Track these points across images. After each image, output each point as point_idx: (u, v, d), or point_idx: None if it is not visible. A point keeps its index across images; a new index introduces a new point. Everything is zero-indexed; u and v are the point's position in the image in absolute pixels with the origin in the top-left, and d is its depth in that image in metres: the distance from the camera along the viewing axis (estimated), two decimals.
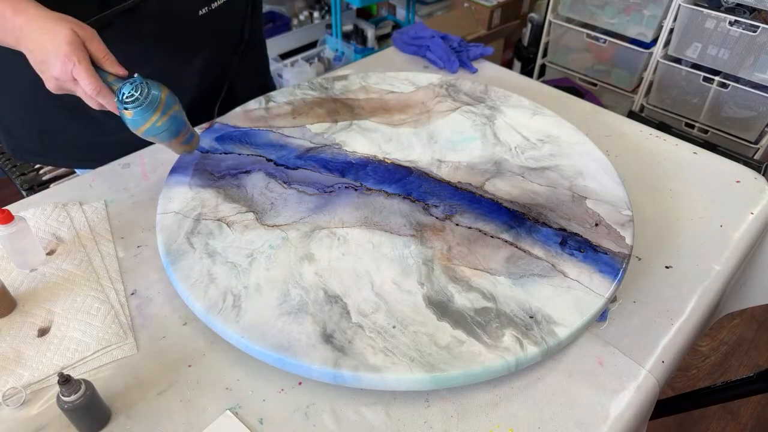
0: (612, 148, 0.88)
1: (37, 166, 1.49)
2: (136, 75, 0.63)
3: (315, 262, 0.64)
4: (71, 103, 0.82)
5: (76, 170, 0.99)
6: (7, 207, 0.69)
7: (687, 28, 1.93)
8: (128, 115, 0.63)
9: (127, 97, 0.62)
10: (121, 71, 0.64)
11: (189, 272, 0.62)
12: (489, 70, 1.11)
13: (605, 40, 2.16)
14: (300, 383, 0.56)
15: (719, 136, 2.04)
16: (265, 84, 1.06)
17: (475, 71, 1.09)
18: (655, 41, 2.05)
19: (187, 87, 0.87)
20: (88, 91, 0.62)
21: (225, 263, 0.63)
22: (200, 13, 0.81)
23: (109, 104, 0.63)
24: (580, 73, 2.33)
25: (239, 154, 0.79)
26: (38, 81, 0.80)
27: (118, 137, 0.87)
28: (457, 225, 0.68)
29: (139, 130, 0.64)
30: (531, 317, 0.58)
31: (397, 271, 0.63)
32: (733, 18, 1.81)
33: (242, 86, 0.96)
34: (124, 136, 0.87)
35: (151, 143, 0.85)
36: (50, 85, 0.63)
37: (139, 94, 0.62)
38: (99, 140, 0.87)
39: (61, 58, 0.59)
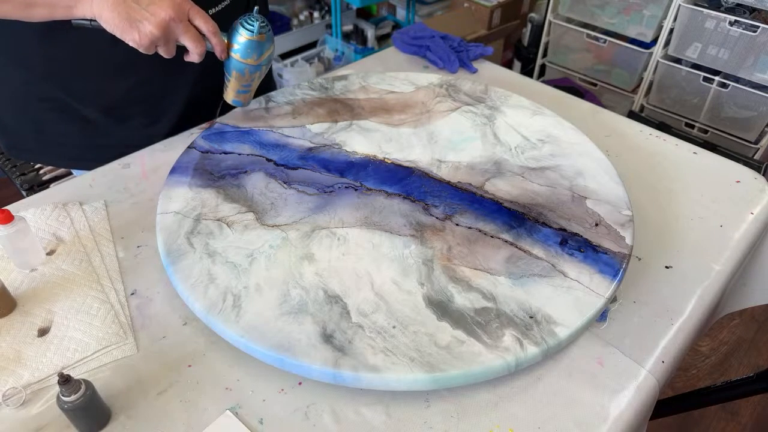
0: (612, 148, 0.88)
1: (37, 166, 1.48)
2: (256, 7, 0.73)
3: (315, 262, 0.64)
4: (63, 104, 0.83)
5: (72, 171, 0.98)
6: (7, 207, 0.69)
7: (687, 28, 1.93)
8: (261, 39, 0.72)
9: (262, 23, 0.72)
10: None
11: (189, 272, 0.62)
12: (489, 70, 1.11)
13: (605, 40, 2.16)
14: (300, 383, 0.56)
15: (719, 136, 2.04)
16: (266, 85, 1.06)
17: (475, 71, 1.09)
18: (655, 41, 2.05)
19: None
20: (208, 28, 0.69)
21: (225, 263, 0.63)
22: None
23: (219, 43, 0.71)
24: (580, 73, 2.33)
25: (239, 154, 0.79)
26: (31, 80, 0.80)
27: (111, 139, 0.87)
28: (457, 225, 0.68)
29: (265, 55, 0.75)
30: (531, 317, 0.58)
31: (397, 271, 0.63)
32: (733, 18, 1.81)
33: None
34: (119, 136, 0.87)
35: (142, 146, 0.86)
36: (150, 32, 0.65)
37: (263, 18, 0.73)
38: (93, 141, 0.87)
39: (177, 0, 0.65)
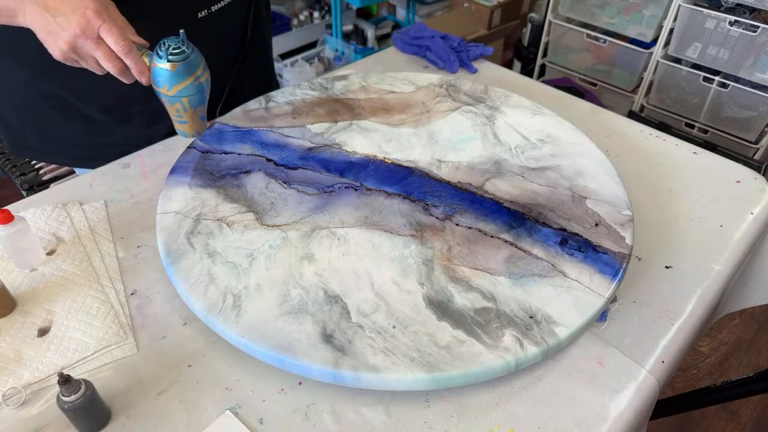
0: (612, 148, 0.88)
1: (37, 166, 1.48)
2: (181, 31, 0.63)
3: (315, 262, 0.64)
4: (65, 103, 0.82)
5: (75, 170, 0.98)
6: (7, 207, 0.69)
7: (687, 28, 1.93)
8: (170, 69, 0.61)
9: (173, 49, 0.61)
10: (142, 40, 0.63)
11: (189, 272, 0.62)
12: (489, 70, 1.11)
13: (605, 40, 2.16)
14: (300, 383, 0.56)
15: (719, 136, 2.04)
16: (268, 85, 1.06)
17: (475, 71, 1.09)
18: (655, 41, 2.05)
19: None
20: (119, 48, 0.60)
21: (225, 263, 0.63)
22: (199, 15, 0.81)
23: (136, 64, 0.61)
24: (580, 73, 2.33)
25: (239, 154, 0.79)
26: (33, 79, 0.79)
27: (114, 138, 0.87)
28: (457, 225, 0.68)
29: (177, 87, 0.63)
30: (531, 317, 0.58)
31: (397, 271, 0.63)
32: (733, 18, 1.81)
33: (244, 90, 0.96)
34: (120, 135, 0.87)
35: (143, 146, 0.85)
36: (60, 48, 0.60)
37: (186, 48, 0.62)
38: (95, 140, 0.87)
39: (88, 14, 0.58)
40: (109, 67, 0.61)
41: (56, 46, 0.60)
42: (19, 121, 0.87)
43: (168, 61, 0.61)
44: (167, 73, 0.62)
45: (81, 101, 0.83)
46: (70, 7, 0.58)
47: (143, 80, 0.63)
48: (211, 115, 0.90)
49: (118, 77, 0.63)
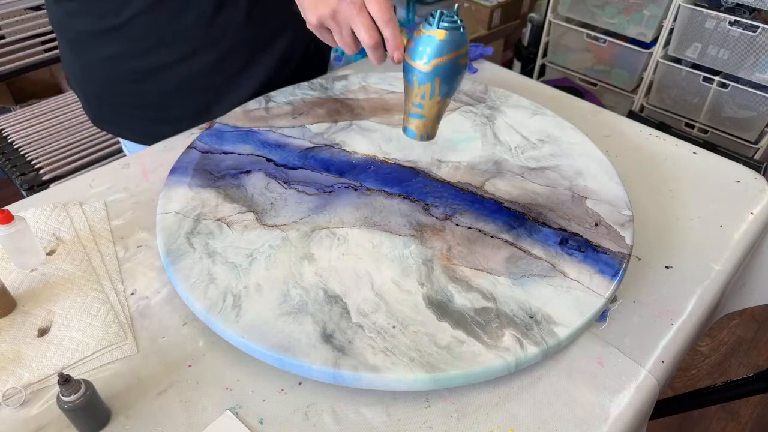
0: (612, 148, 0.88)
1: (37, 166, 1.49)
2: (456, 5, 0.60)
3: (315, 262, 0.64)
4: (143, 76, 0.87)
5: (125, 146, 1.04)
6: (7, 207, 0.69)
7: (687, 28, 1.93)
8: (437, 37, 0.57)
9: (447, 17, 0.57)
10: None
11: (189, 272, 0.62)
12: (489, 70, 1.11)
13: (605, 40, 2.16)
14: (300, 383, 0.56)
15: (719, 136, 2.04)
16: (318, 68, 1.06)
17: (475, 71, 1.09)
18: (655, 41, 2.05)
19: (265, 67, 0.90)
20: (381, 15, 0.58)
21: (225, 263, 0.63)
22: None
23: (394, 37, 0.59)
24: (580, 73, 2.33)
25: (239, 154, 0.79)
26: (117, 53, 0.85)
27: (178, 111, 0.91)
28: (457, 225, 0.68)
29: (438, 60, 0.58)
30: (531, 317, 0.58)
31: (397, 271, 0.63)
32: (733, 18, 1.81)
33: (305, 70, 0.99)
34: (189, 110, 0.90)
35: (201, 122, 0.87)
36: (320, 13, 0.60)
37: (459, 20, 0.58)
38: (162, 114, 0.91)
39: None
40: (365, 38, 0.59)
41: (316, 11, 0.60)
42: (99, 94, 0.92)
43: (438, 27, 0.57)
44: (433, 41, 0.57)
45: (159, 74, 0.87)
46: None
47: (396, 56, 0.60)
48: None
49: (369, 53, 0.61)
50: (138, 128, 0.95)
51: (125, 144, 1.04)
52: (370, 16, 0.59)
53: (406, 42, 0.60)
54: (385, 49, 0.62)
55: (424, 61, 0.58)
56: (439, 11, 0.58)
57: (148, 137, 0.90)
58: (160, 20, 0.81)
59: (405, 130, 0.66)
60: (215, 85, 0.90)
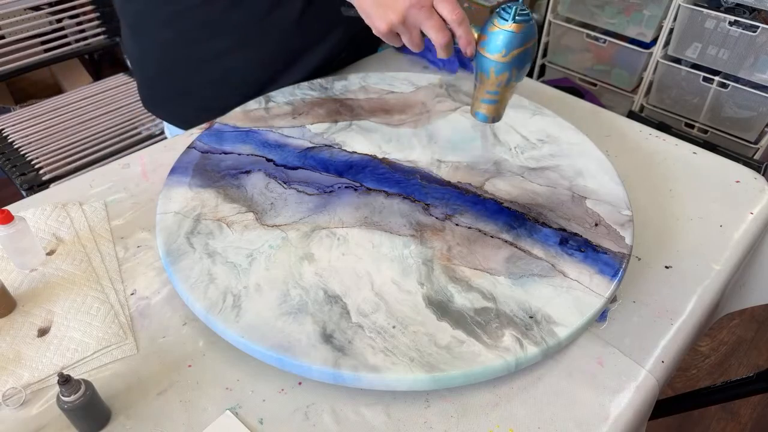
0: (612, 148, 0.88)
1: (37, 166, 1.49)
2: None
3: (315, 262, 0.64)
4: (206, 66, 0.91)
5: (165, 131, 1.08)
6: (7, 207, 0.69)
7: (687, 28, 1.93)
8: (515, 30, 0.60)
9: (521, 11, 0.60)
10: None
11: (189, 272, 0.62)
12: None
13: (605, 40, 2.16)
14: (300, 383, 0.56)
15: (719, 136, 2.04)
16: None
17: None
18: (655, 41, 2.05)
19: (310, 64, 0.94)
20: (454, 17, 0.61)
21: (225, 263, 0.63)
22: None
23: (466, 33, 0.62)
24: (580, 73, 2.33)
25: (239, 154, 0.79)
26: (167, 45, 0.90)
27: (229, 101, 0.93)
28: (456, 225, 0.69)
29: (516, 51, 0.62)
30: (531, 317, 0.58)
31: (397, 271, 0.63)
32: (732, 18, 1.81)
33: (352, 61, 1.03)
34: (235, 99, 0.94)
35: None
36: (389, 20, 0.62)
37: (529, 11, 0.61)
38: (217, 105, 0.92)
39: None
40: (438, 38, 0.62)
41: (385, 18, 0.62)
42: (152, 78, 0.96)
43: (514, 22, 0.60)
44: (510, 36, 0.61)
45: (226, 63, 0.90)
46: None
47: (469, 51, 0.64)
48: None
49: (440, 50, 0.64)
50: (182, 114, 0.98)
51: (168, 127, 1.08)
52: (440, 17, 0.62)
53: (477, 36, 0.63)
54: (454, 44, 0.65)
55: (503, 53, 0.62)
56: (514, 7, 0.61)
57: (190, 124, 0.92)
58: (213, 12, 0.85)
59: (476, 114, 0.71)
60: (260, 80, 0.93)
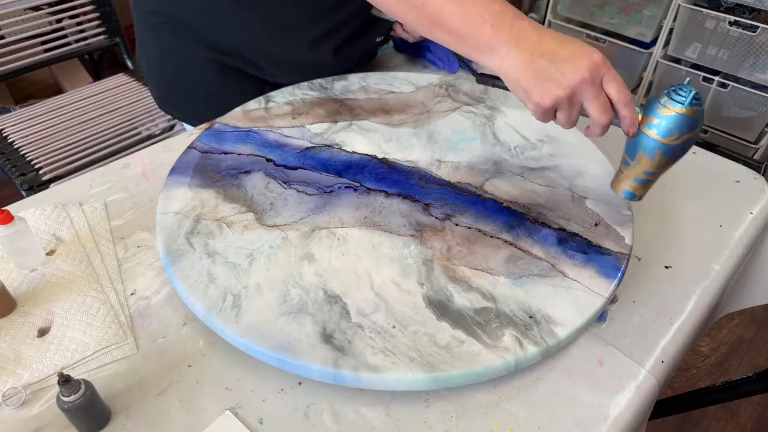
0: (612, 148, 0.88)
1: (37, 166, 1.49)
2: (688, 79, 0.61)
3: (315, 262, 0.64)
4: (228, 69, 0.95)
5: (185, 126, 1.11)
6: (7, 207, 0.69)
7: (687, 28, 1.94)
8: (690, 114, 0.59)
9: (696, 97, 0.59)
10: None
11: (189, 272, 0.62)
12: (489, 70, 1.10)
13: (605, 40, 2.16)
14: (300, 383, 0.56)
15: (719, 136, 2.04)
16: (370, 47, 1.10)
17: (475, 71, 1.09)
18: (654, 41, 2.05)
19: (322, 73, 0.96)
20: (622, 97, 0.58)
21: (225, 263, 0.63)
22: None
23: (632, 114, 0.59)
24: None
25: (239, 154, 0.79)
26: (190, 54, 0.93)
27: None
28: (456, 225, 0.69)
29: (688, 135, 0.60)
30: (531, 317, 0.58)
31: (397, 271, 0.63)
32: (732, 18, 1.81)
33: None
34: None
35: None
36: (555, 95, 0.58)
37: (701, 95, 0.60)
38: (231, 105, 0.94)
39: (596, 60, 0.57)
40: (601, 118, 0.59)
41: (550, 94, 0.58)
42: (172, 83, 0.99)
43: (690, 106, 0.58)
44: (686, 119, 0.59)
45: (252, 70, 0.94)
46: (574, 53, 0.57)
47: (632, 131, 0.60)
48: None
49: (597, 129, 0.60)
50: (195, 113, 1.00)
51: (187, 128, 1.10)
52: (606, 96, 0.59)
53: (640, 118, 0.61)
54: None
55: (674, 136, 0.60)
56: (691, 92, 0.59)
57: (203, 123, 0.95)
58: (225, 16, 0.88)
59: (622, 192, 0.67)
60: (271, 84, 0.95)
